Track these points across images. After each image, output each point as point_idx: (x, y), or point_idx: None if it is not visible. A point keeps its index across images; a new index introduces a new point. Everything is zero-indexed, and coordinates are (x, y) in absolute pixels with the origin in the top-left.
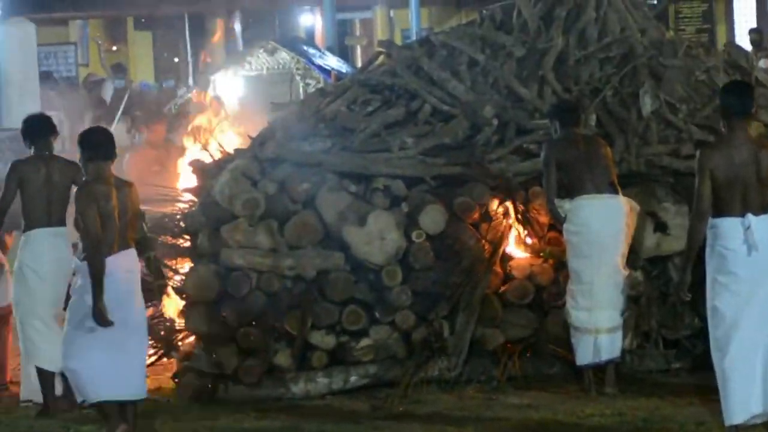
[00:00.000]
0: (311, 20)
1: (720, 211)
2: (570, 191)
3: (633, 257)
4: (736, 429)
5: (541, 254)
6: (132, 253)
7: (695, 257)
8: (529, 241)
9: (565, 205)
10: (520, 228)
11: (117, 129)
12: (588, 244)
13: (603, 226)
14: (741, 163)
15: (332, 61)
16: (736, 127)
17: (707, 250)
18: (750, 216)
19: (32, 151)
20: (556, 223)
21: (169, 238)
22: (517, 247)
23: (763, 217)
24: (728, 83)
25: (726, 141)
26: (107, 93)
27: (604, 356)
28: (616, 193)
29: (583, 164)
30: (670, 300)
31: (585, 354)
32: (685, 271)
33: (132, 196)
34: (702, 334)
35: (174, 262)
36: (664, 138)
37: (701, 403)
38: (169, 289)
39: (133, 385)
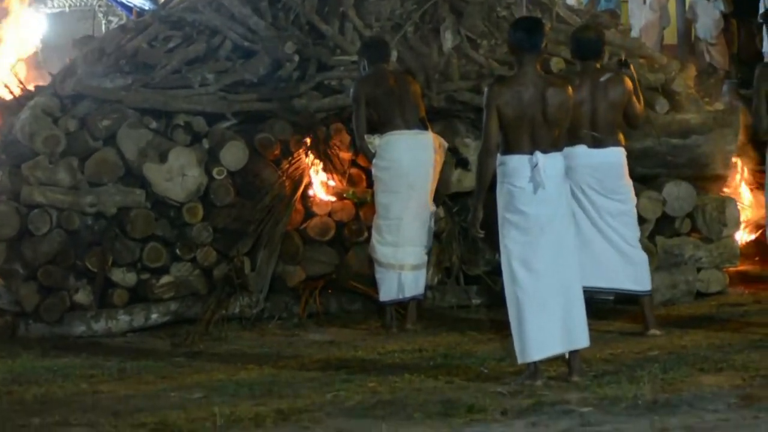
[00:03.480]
0: None
1: (509, 148)
2: (380, 127)
3: (435, 194)
4: (535, 365)
5: (345, 196)
6: None
7: (486, 193)
8: (332, 183)
9: (374, 141)
10: (321, 165)
11: None
12: (397, 180)
13: (412, 162)
14: (529, 101)
15: None
16: (525, 64)
17: (498, 187)
18: (538, 154)
19: None
20: (366, 158)
21: None
22: (320, 189)
23: (551, 154)
24: (518, 19)
25: (514, 78)
26: None
27: (408, 293)
28: (426, 129)
29: (392, 100)
30: (471, 236)
31: (389, 290)
32: (477, 208)
33: None
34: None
35: None
36: (465, 74)
37: (501, 339)
38: None
39: None
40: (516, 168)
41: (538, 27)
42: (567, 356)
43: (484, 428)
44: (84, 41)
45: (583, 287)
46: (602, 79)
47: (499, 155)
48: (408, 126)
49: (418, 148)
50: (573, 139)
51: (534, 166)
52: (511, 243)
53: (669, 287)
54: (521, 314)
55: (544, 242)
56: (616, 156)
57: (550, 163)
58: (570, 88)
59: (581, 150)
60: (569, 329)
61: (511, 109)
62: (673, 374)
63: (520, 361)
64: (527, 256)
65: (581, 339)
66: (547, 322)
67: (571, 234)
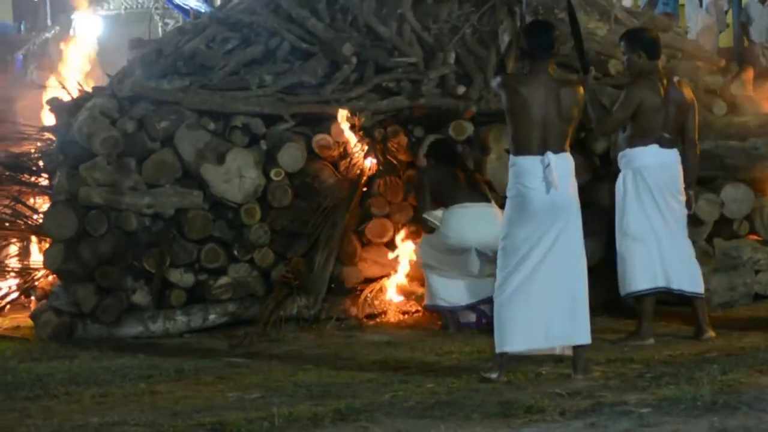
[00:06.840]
0: None
1: (519, 149)
2: (444, 203)
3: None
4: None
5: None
6: None
7: None
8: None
9: (438, 214)
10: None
11: None
12: (457, 247)
13: (474, 233)
14: (540, 103)
15: (191, 1)
16: (537, 68)
17: (508, 188)
18: (549, 154)
19: None
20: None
21: (27, 177)
22: (392, 291)
23: (562, 155)
24: (530, 23)
25: (526, 79)
26: None
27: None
28: (489, 201)
29: (456, 186)
30: None
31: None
32: None
33: None
34: None
35: (32, 200)
36: None
37: None
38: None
39: None
40: (527, 169)
41: (549, 31)
42: (573, 355)
43: (543, 429)
44: (136, 43)
45: (643, 289)
46: (675, 79)
47: (510, 157)
48: (471, 199)
49: (481, 220)
50: (645, 139)
51: (546, 167)
52: (519, 241)
53: (727, 289)
54: (518, 304)
55: (551, 242)
56: (678, 157)
57: (560, 163)
58: (581, 88)
59: (653, 149)
60: (571, 325)
61: (521, 111)
62: (731, 375)
63: (501, 350)
64: (533, 253)
65: (582, 335)
66: (546, 315)
67: (579, 233)
